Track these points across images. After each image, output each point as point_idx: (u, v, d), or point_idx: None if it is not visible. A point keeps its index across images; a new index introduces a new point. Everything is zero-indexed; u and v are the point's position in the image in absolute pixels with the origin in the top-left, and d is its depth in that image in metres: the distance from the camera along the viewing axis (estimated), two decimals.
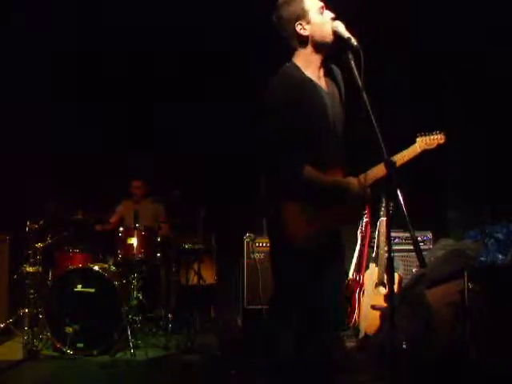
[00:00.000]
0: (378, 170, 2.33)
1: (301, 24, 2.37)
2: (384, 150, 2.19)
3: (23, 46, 5.46)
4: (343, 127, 2.46)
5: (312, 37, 2.38)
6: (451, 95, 5.29)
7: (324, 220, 2.31)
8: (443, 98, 5.33)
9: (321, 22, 2.36)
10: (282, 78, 2.36)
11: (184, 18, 5.43)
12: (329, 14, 2.39)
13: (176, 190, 4.95)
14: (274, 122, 2.31)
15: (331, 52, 2.43)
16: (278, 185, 2.34)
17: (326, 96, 2.39)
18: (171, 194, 4.96)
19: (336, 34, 2.35)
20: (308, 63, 2.41)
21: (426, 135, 2.68)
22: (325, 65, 2.45)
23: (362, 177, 2.37)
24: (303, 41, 2.39)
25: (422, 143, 2.66)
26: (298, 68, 2.39)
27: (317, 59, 2.41)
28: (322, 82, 2.43)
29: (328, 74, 2.47)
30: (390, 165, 2.16)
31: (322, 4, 2.40)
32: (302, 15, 2.36)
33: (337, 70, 2.52)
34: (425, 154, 2.65)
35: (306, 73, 2.39)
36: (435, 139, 2.68)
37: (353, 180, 2.37)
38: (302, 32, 2.37)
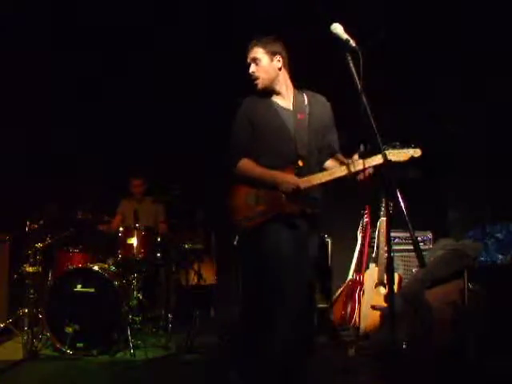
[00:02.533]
0: (313, 178, 2.71)
1: (277, 58, 2.90)
2: (383, 149, 2.20)
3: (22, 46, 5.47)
4: (313, 143, 2.83)
5: (283, 68, 2.92)
6: (452, 95, 5.29)
7: (264, 206, 2.73)
8: (443, 98, 5.33)
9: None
10: (244, 100, 2.94)
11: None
12: (250, 69, 2.86)
13: (175, 188, 4.94)
14: (232, 129, 2.92)
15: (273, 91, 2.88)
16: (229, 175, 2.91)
17: (286, 114, 2.85)
18: (171, 191, 4.95)
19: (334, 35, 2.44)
20: (277, 89, 2.90)
21: (396, 148, 2.60)
22: (294, 94, 2.91)
23: (304, 179, 2.72)
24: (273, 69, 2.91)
25: (389, 155, 2.54)
26: (265, 93, 2.89)
27: (284, 86, 2.90)
28: (288, 102, 2.89)
29: (300, 101, 2.90)
30: (388, 163, 2.18)
31: (247, 61, 2.88)
32: (280, 52, 2.91)
33: (320, 100, 2.94)
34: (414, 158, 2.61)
35: (273, 98, 2.89)
36: (406, 154, 2.61)
37: (281, 175, 2.72)
38: (278, 64, 2.90)
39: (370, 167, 2.60)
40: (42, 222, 4.47)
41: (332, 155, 2.93)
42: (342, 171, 2.67)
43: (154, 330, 5.02)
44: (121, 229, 4.90)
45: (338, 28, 2.40)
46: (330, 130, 2.93)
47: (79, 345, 4.19)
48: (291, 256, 2.67)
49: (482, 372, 3.37)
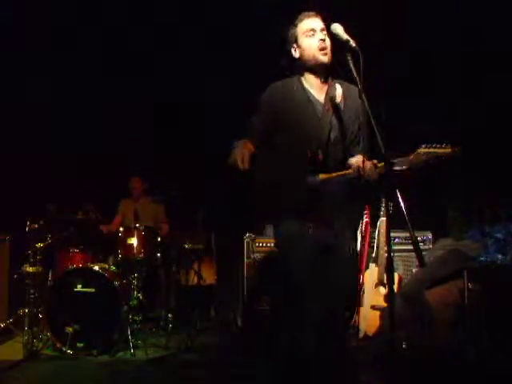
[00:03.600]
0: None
1: (294, 47, 2.66)
2: (383, 149, 2.20)
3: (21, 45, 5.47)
4: (340, 137, 2.64)
5: (301, 59, 2.65)
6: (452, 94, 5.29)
7: None
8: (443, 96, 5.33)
9: (306, 46, 2.60)
10: (279, 84, 2.69)
11: None
12: (319, 36, 2.57)
13: (175, 188, 4.95)
14: (254, 111, 2.71)
15: (325, 72, 2.64)
16: None
17: (318, 106, 2.62)
18: (170, 191, 4.96)
19: (334, 37, 2.43)
20: (308, 78, 2.67)
21: (430, 147, 2.39)
22: (328, 83, 2.65)
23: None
24: (297, 61, 2.66)
25: (422, 154, 2.39)
26: (296, 79, 2.67)
27: (313, 78, 2.65)
28: (320, 95, 2.64)
29: (332, 91, 2.66)
30: (389, 164, 2.18)
31: (312, 27, 2.59)
32: (295, 40, 2.64)
33: (351, 89, 2.66)
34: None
35: (306, 85, 2.65)
36: (440, 152, 2.39)
37: (240, 147, 2.51)
38: (294, 54, 2.66)
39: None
40: (42, 222, 4.47)
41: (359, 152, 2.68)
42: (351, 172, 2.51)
43: (153, 330, 5.02)
44: (121, 229, 4.90)
45: (337, 28, 2.40)
46: (362, 125, 2.66)
47: (79, 345, 4.19)
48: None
49: (482, 372, 3.37)
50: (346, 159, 2.69)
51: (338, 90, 2.67)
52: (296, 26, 2.64)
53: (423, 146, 2.38)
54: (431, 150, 2.38)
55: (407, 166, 2.41)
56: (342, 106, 2.66)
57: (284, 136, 2.65)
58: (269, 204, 2.64)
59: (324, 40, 2.55)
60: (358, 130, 2.68)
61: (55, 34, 5.53)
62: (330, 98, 2.65)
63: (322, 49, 2.55)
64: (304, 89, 2.65)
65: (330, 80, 2.67)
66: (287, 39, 2.67)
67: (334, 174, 2.55)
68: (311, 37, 2.58)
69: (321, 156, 2.60)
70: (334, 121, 2.63)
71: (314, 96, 2.65)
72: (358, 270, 2.90)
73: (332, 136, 2.62)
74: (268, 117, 2.66)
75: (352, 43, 2.34)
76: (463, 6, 4.85)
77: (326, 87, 2.66)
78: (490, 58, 4.94)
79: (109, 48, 5.73)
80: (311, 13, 2.64)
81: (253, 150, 2.54)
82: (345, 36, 2.37)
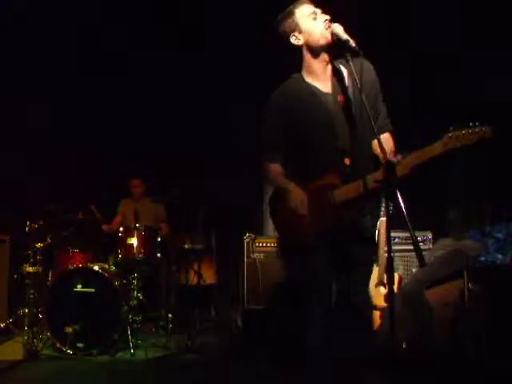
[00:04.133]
0: (348, 190, 2.37)
1: (294, 35, 2.52)
2: (383, 149, 2.20)
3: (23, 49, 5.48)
4: (359, 117, 2.42)
5: (307, 44, 2.51)
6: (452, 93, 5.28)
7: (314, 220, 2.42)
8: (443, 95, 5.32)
9: (311, 28, 2.47)
10: (280, 88, 2.59)
11: None
12: (322, 18, 2.46)
13: (175, 188, 4.95)
14: (263, 126, 2.61)
15: (331, 53, 2.50)
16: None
17: (326, 98, 2.48)
18: (170, 191, 4.96)
19: (333, 35, 2.40)
20: (310, 70, 2.53)
21: (460, 129, 2.18)
22: (333, 66, 2.53)
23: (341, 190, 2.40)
24: (301, 50, 2.53)
25: (451, 140, 2.19)
26: (298, 80, 2.56)
27: (318, 64, 2.52)
28: (326, 85, 2.51)
29: (337, 74, 2.53)
30: (389, 165, 2.17)
31: (313, 10, 2.49)
32: (294, 27, 2.51)
33: (362, 64, 2.46)
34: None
35: (307, 80, 2.53)
36: (474, 133, 2.20)
37: (295, 192, 2.42)
38: (297, 42, 2.52)
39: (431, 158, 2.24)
40: (41, 222, 4.47)
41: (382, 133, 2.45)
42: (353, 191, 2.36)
43: (153, 330, 5.02)
44: (121, 229, 4.90)
45: (337, 28, 2.40)
46: (380, 101, 2.52)
47: (79, 345, 4.19)
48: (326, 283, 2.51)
49: (482, 372, 3.37)
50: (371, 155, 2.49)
51: (343, 70, 2.51)
52: (293, 13, 2.51)
53: (451, 129, 2.19)
54: (464, 131, 2.18)
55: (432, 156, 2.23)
56: (351, 86, 2.46)
57: (304, 148, 2.51)
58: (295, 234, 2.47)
59: (329, 20, 2.44)
60: (375, 106, 2.48)
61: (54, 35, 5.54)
62: (337, 86, 2.49)
63: (329, 27, 2.43)
64: (309, 87, 2.51)
65: (332, 63, 2.53)
66: (283, 31, 2.53)
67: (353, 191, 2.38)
68: (314, 20, 2.47)
69: (347, 160, 2.43)
70: (349, 105, 2.44)
71: (320, 89, 2.50)
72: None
73: (355, 122, 2.42)
74: (280, 132, 2.54)
75: (352, 43, 2.34)
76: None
77: (330, 74, 2.52)
78: (489, 58, 4.94)
79: (108, 47, 5.74)
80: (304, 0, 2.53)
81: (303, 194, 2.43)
82: (345, 36, 2.36)
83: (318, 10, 2.50)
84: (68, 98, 5.76)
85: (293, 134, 2.52)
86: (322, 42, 2.45)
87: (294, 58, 2.60)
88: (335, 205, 2.40)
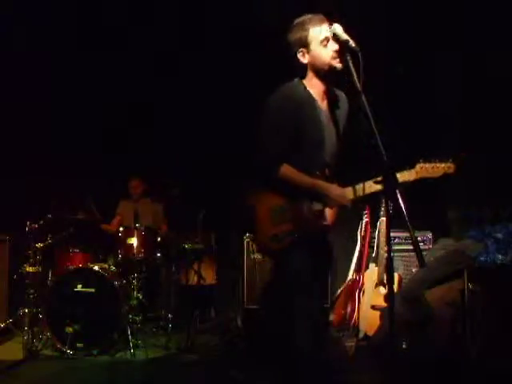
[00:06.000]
0: (372, 186, 2.48)
1: (302, 51, 2.53)
2: (383, 152, 2.20)
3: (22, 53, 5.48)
4: (336, 149, 2.62)
5: (312, 65, 2.54)
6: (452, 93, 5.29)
7: (291, 223, 2.51)
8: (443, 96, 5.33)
9: (319, 54, 2.50)
10: (283, 90, 2.57)
11: None
12: (332, 46, 2.47)
13: (175, 188, 4.95)
14: (265, 125, 2.55)
15: (332, 80, 2.58)
16: (258, 179, 2.62)
17: (323, 115, 2.57)
18: (170, 191, 4.96)
19: (335, 37, 2.41)
20: (312, 83, 2.58)
21: (429, 162, 2.47)
22: (329, 89, 2.60)
23: (358, 188, 2.51)
24: (304, 66, 2.56)
25: (422, 170, 2.47)
26: (301, 84, 2.57)
27: (319, 83, 2.57)
28: (323, 103, 2.60)
29: (331, 98, 2.63)
30: (389, 168, 2.18)
31: (327, 35, 2.47)
32: (304, 44, 2.51)
33: (341, 95, 2.67)
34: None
35: (310, 90, 2.57)
36: (440, 168, 2.47)
37: (334, 188, 2.51)
38: (302, 59, 2.54)
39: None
40: (42, 222, 4.47)
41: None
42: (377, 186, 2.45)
43: (154, 329, 5.02)
44: (121, 229, 4.91)
45: (337, 28, 2.40)
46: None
47: (79, 345, 4.19)
48: (310, 284, 2.54)
49: (482, 372, 3.37)
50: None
51: (335, 95, 2.65)
52: (306, 30, 2.49)
53: (421, 161, 2.45)
54: (432, 165, 2.46)
55: (405, 181, 2.47)
56: (337, 112, 2.65)
57: (301, 150, 2.55)
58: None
59: (337, 50, 2.46)
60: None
61: (55, 34, 5.54)
62: (331, 107, 2.62)
63: (336, 58, 2.47)
64: (310, 96, 2.57)
65: (330, 84, 2.61)
66: (292, 42, 2.54)
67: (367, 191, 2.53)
68: (325, 47, 2.48)
69: (327, 171, 2.57)
70: (335, 130, 2.61)
71: (318, 102, 2.58)
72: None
73: (331, 148, 2.59)
74: (287, 134, 2.53)
75: (352, 43, 2.33)
76: None
77: (326, 94, 2.61)
78: (490, 57, 4.94)
79: (109, 46, 5.74)
80: (321, 17, 2.52)
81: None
82: (344, 36, 2.36)
83: (330, 33, 2.47)
84: (68, 98, 5.76)
85: (290, 138, 2.55)
86: (326, 68, 2.51)
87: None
88: (312, 211, 2.52)
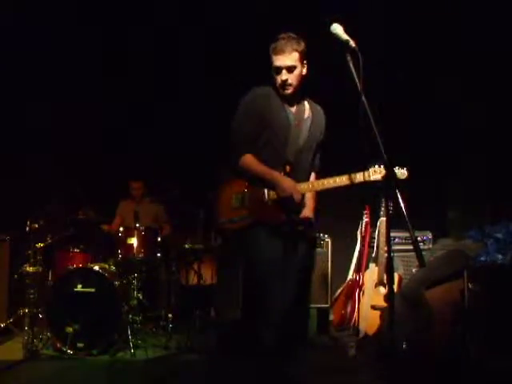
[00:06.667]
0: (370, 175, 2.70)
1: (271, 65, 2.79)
2: (383, 151, 2.20)
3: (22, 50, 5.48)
4: (300, 150, 2.83)
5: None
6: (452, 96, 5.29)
7: (247, 210, 2.74)
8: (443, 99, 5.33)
9: (274, 77, 2.78)
10: (255, 89, 2.86)
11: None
12: (281, 77, 2.74)
13: (175, 188, 4.95)
14: (234, 122, 2.85)
15: (290, 98, 2.82)
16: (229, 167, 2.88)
17: (291, 117, 2.82)
18: (170, 192, 4.96)
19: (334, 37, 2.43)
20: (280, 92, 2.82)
21: (373, 167, 2.66)
22: (298, 101, 2.86)
23: (303, 185, 2.77)
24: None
25: (360, 176, 2.69)
26: (273, 89, 2.83)
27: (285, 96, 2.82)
28: (292, 108, 2.85)
29: (303, 108, 2.88)
30: (389, 167, 2.18)
31: (277, 65, 2.74)
32: (271, 63, 2.77)
33: (317, 109, 2.94)
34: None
35: (279, 97, 2.82)
36: (378, 172, 2.66)
37: (285, 180, 2.72)
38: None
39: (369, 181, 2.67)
40: (42, 222, 4.47)
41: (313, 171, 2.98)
42: (343, 181, 2.71)
43: (154, 329, 5.02)
44: (121, 229, 4.90)
45: (337, 28, 2.40)
46: (320, 145, 2.96)
47: (79, 345, 4.19)
48: (272, 263, 2.69)
49: (482, 372, 3.37)
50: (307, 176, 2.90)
51: (306, 106, 2.89)
52: (270, 55, 2.77)
53: (376, 165, 2.62)
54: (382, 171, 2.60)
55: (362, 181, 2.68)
56: (309, 121, 2.87)
57: (265, 144, 2.79)
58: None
59: (285, 81, 2.73)
60: (317, 147, 2.93)
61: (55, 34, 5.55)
62: (300, 113, 2.85)
63: (284, 89, 2.76)
64: (279, 99, 2.81)
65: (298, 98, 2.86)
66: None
67: (320, 186, 2.80)
68: (276, 74, 2.76)
69: (288, 168, 2.77)
70: (304, 132, 2.84)
71: (287, 107, 2.83)
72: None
73: (302, 146, 2.83)
74: (255, 124, 2.78)
75: (352, 44, 2.34)
76: None
77: (295, 103, 2.85)
78: (489, 59, 4.95)
79: (109, 48, 5.74)
80: (283, 43, 2.73)
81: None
82: (344, 36, 2.36)
83: (284, 64, 2.72)
84: (68, 98, 5.76)
85: (261, 134, 2.79)
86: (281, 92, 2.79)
87: None
88: (266, 200, 2.74)
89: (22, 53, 5.48)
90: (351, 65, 2.31)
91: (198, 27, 5.60)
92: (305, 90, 2.88)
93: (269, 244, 2.70)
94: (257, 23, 5.18)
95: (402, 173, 2.79)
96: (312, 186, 2.82)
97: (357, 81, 2.29)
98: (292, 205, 2.72)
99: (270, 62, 2.79)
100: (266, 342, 2.64)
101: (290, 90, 2.77)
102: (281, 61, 2.73)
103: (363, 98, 2.27)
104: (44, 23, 5.46)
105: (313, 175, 2.98)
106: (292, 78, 2.75)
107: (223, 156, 2.91)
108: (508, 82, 4.78)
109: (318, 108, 2.95)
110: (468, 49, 5.03)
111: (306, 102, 2.90)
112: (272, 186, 2.73)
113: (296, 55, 2.73)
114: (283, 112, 2.81)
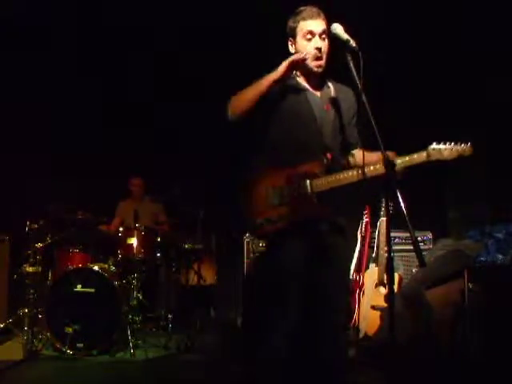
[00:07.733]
0: (329, 180, 2.40)
1: (290, 41, 2.56)
2: (383, 150, 2.20)
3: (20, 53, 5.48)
4: (334, 131, 2.54)
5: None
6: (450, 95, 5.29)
7: (288, 207, 2.40)
8: (442, 98, 5.33)
9: (303, 48, 2.49)
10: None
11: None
12: (316, 43, 2.47)
13: (175, 188, 4.95)
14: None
15: (316, 77, 2.57)
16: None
17: (314, 101, 2.54)
18: (171, 191, 4.96)
19: (334, 37, 2.39)
20: (302, 71, 2.57)
21: (444, 144, 2.37)
22: (322, 82, 2.59)
23: (319, 180, 2.41)
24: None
25: (434, 152, 2.35)
26: (292, 77, 2.56)
27: (308, 70, 2.54)
28: (316, 89, 2.57)
29: (328, 90, 2.60)
30: (389, 165, 2.18)
31: (310, 29, 2.47)
32: (293, 34, 2.53)
33: (345, 91, 2.62)
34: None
35: (299, 79, 2.57)
36: (455, 150, 2.38)
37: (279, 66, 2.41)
38: (290, 48, 2.56)
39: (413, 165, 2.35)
40: (42, 222, 4.47)
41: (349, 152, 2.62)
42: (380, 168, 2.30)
43: (154, 330, 5.02)
44: (121, 229, 4.90)
45: (338, 28, 2.39)
46: (353, 125, 2.63)
47: (79, 345, 4.19)
48: (301, 275, 2.40)
49: (482, 372, 3.37)
50: (342, 155, 2.59)
51: (331, 88, 2.61)
52: (297, 22, 2.49)
53: (435, 143, 2.35)
54: (446, 147, 2.36)
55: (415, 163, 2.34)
56: (337, 100, 2.58)
57: (286, 137, 2.52)
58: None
59: (320, 49, 2.46)
60: (353, 126, 2.62)
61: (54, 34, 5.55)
62: (328, 96, 2.57)
63: (317, 58, 2.48)
64: (300, 87, 2.56)
65: (322, 74, 2.58)
66: (287, 28, 2.55)
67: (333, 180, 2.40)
68: (308, 41, 2.48)
69: (329, 155, 2.47)
70: (333, 117, 2.54)
71: (311, 93, 2.56)
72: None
73: (332, 134, 2.52)
74: (267, 118, 2.54)
75: (352, 43, 2.33)
76: None
77: (319, 81, 2.59)
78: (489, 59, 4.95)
79: (110, 50, 5.74)
80: (315, 10, 2.49)
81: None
82: (345, 36, 2.35)
83: (318, 29, 2.47)
84: (67, 98, 5.76)
85: (280, 126, 2.53)
86: (304, 67, 2.52)
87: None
88: (310, 194, 2.41)
89: (21, 51, 5.48)
90: (351, 64, 2.31)
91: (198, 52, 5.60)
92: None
93: (298, 256, 2.40)
94: (257, 23, 5.18)
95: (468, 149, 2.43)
96: (329, 181, 2.41)
97: (357, 80, 2.29)
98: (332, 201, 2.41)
99: (286, 40, 2.54)
100: (273, 343, 2.42)
101: (321, 66, 2.49)
102: (315, 25, 2.46)
103: (363, 97, 2.26)
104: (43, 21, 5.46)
105: (359, 151, 2.52)
106: (325, 48, 2.48)
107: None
108: (508, 82, 4.78)
109: (345, 88, 2.63)
110: (468, 49, 5.03)
111: (330, 84, 2.62)
112: (272, 81, 2.42)
113: (324, 23, 2.48)
114: (303, 95, 2.53)
